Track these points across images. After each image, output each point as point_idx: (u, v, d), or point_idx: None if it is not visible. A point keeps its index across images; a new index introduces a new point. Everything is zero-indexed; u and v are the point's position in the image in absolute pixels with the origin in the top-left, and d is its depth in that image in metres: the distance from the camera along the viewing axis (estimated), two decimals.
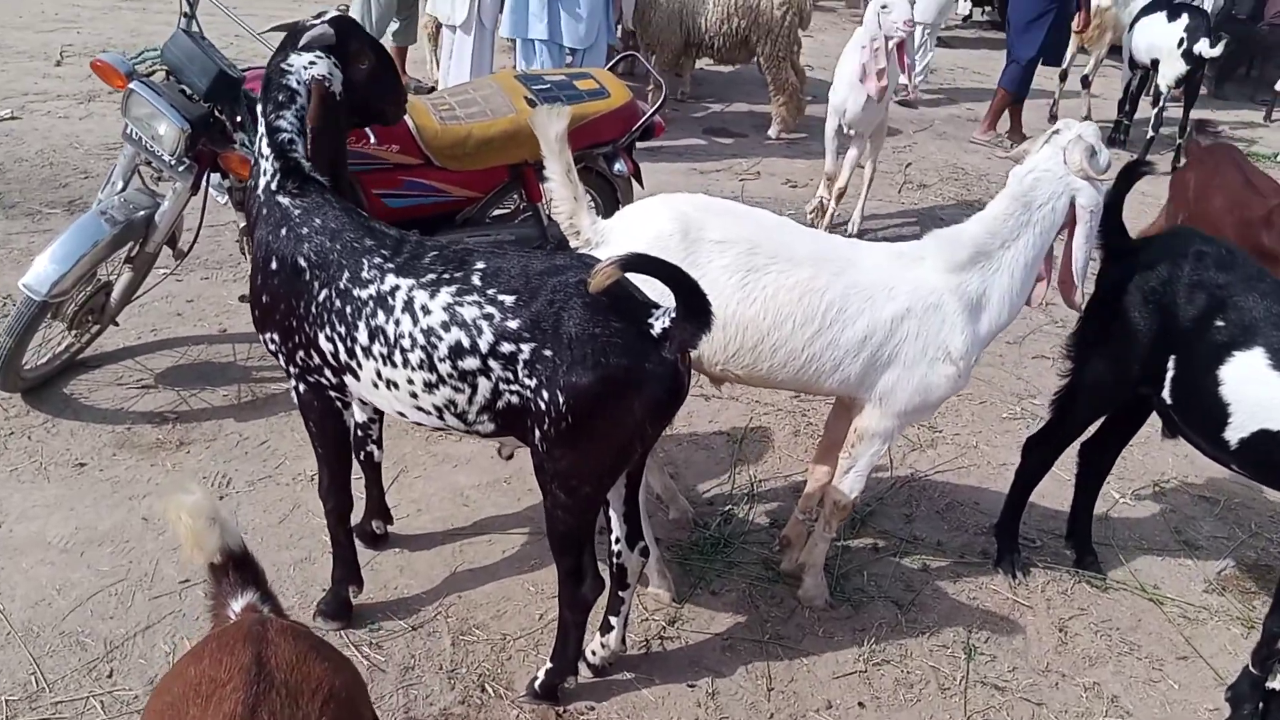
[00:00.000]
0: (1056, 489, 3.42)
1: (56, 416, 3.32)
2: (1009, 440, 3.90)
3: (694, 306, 2.00)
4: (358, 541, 2.83)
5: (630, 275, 2.02)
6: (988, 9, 13.32)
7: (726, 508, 3.33)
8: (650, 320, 2.06)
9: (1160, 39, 7.41)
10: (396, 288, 2.15)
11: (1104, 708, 2.69)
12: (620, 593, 2.49)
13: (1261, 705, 2.61)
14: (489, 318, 2.07)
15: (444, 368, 2.12)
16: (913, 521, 3.37)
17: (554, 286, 2.07)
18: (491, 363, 2.08)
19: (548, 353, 2.04)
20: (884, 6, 4.98)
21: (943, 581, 3.10)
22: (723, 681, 2.64)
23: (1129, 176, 2.89)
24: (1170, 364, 2.73)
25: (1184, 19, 7.26)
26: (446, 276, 2.14)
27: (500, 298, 2.09)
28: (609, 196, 4.16)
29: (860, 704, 2.63)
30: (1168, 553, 3.37)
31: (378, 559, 2.92)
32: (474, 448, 3.42)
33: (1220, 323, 2.62)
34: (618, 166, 3.99)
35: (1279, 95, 9.57)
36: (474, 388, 2.13)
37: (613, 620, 2.53)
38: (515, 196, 4.08)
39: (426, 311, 2.12)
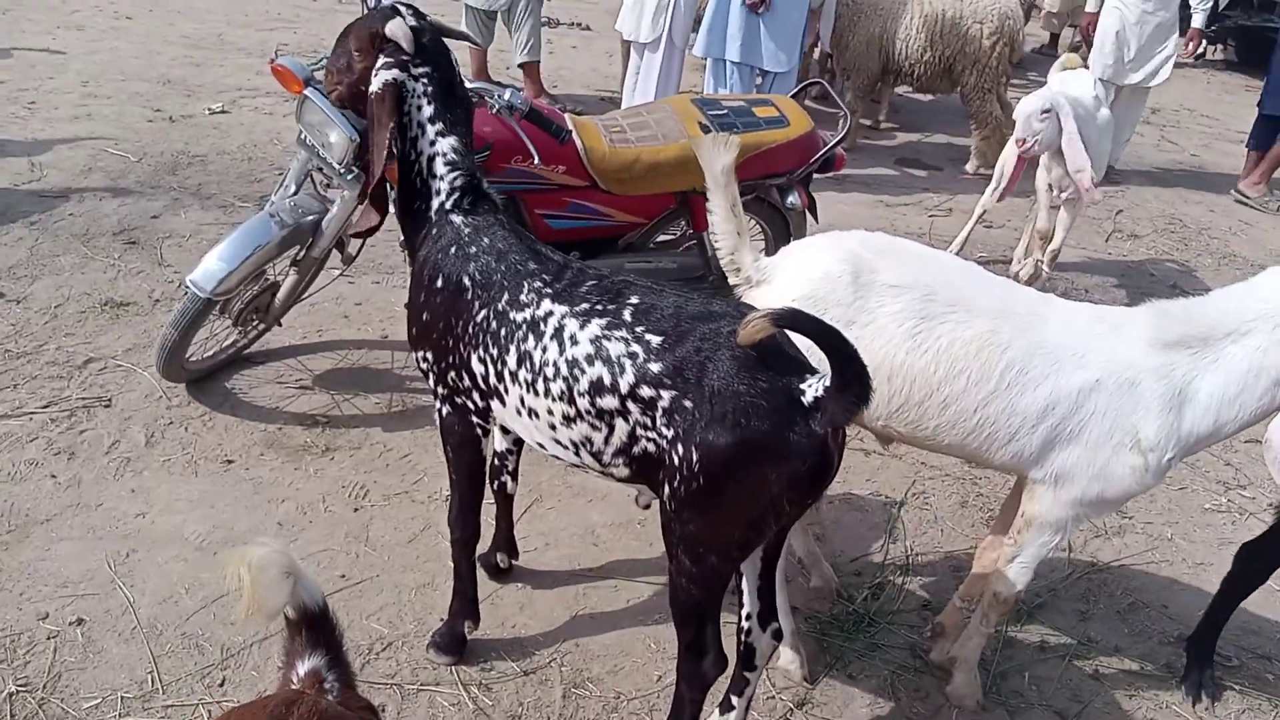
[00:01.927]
0: (1265, 599, 2.96)
1: (215, 410, 3.41)
2: (1209, 535, 3.44)
3: (851, 377, 1.78)
4: (481, 573, 2.75)
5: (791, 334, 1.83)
6: (1222, 47, 12.24)
7: (876, 580, 3.05)
8: (803, 385, 1.86)
9: None
10: (550, 313, 2.08)
11: None
12: (746, 673, 2.28)
13: None
14: (633, 356, 1.95)
15: (583, 403, 2.02)
16: (1088, 620, 2.99)
17: (703, 333, 1.92)
18: (630, 405, 1.96)
19: (688, 403, 1.89)
20: (1045, 112, 4.40)
21: (1118, 694, 2.72)
22: None
23: None
24: None
25: None
26: (600, 308, 2.05)
27: (648, 337, 1.96)
28: (780, 229, 3.96)
29: None
30: None
31: (499, 593, 2.82)
32: (611, 484, 3.28)
33: None
34: (791, 199, 3.79)
35: None
36: (611, 428, 2.01)
37: (735, 700, 2.32)
38: (681, 223, 3.95)
39: (574, 342, 2.03)
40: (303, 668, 1.43)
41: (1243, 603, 2.79)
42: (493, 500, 2.75)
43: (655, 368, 1.93)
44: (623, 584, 2.90)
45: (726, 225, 2.41)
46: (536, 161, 3.29)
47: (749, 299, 2.47)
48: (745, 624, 2.24)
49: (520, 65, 7.02)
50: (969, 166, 6.92)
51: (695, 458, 1.87)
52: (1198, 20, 7.19)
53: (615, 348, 1.98)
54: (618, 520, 3.15)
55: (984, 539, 2.70)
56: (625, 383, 1.95)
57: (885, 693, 2.64)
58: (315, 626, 1.46)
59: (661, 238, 4.03)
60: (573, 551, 3.02)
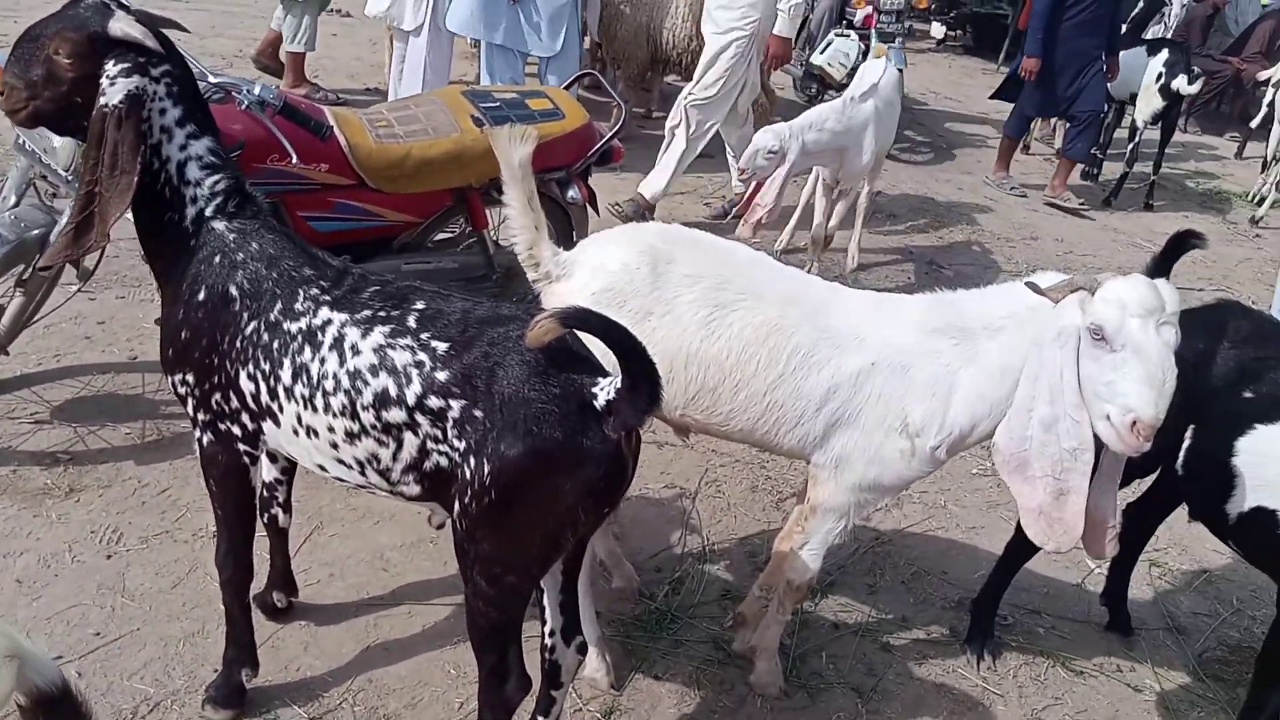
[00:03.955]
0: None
1: None
2: (978, 500, 3.66)
3: (640, 377, 1.73)
4: (258, 614, 2.53)
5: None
6: (960, 33, 13.21)
7: (675, 575, 3.04)
8: (594, 389, 1.79)
9: (1138, 74, 7.28)
10: (329, 322, 1.93)
11: None
12: (552, 692, 2.20)
13: None
14: (420, 365, 1.84)
15: (367, 417, 1.88)
16: (876, 593, 3.11)
17: (492, 338, 1.84)
18: (419, 417, 1.84)
19: (478, 413, 1.79)
20: (772, 152, 4.39)
21: (909, 663, 2.84)
22: None
23: (1178, 246, 2.69)
24: (1188, 434, 2.56)
25: (1163, 54, 7.16)
26: (383, 315, 1.92)
27: (434, 344, 1.85)
28: (562, 224, 3.87)
29: None
30: (1148, 629, 3.13)
31: (280, 633, 2.60)
32: (399, 502, 3.11)
33: (1249, 394, 2.45)
34: (571, 193, 3.70)
35: (1252, 132, 9.49)
36: (399, 443, 1.89)
37: None
38: (460, 221, 3.79)
39: (356, 351, 1.89)
40: None
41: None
42: (265, 534, 2.53)
43: (443, 376, 1.82)
44: (417, 609, 2.74)
45: (523, 219, 2.35)
46: (295, 161, 3.05)
47: (548, 295, 2.40)
48: (549, 640, 2.16)
49: (288, 53, 6.57)
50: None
51: (487, 470, 1.78)
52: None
53: (400, 356, 1.86)
54: (408, 541, 2.98)
55: (780, 537, 2.74)
56: (412, 393, 1.84)
57: (691, 689, 2.63)
58: (55, 711, 1.24)
59: (440, 236, 3.86)
60: (361, 579, 2.83)
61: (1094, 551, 2.26)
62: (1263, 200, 7.76)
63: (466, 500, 1.83)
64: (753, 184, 4.55)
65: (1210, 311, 2.72)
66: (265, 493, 2.49)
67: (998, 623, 2.99)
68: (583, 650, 2.18)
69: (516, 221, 2.36)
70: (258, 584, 2.53)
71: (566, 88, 3.92)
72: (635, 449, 1.88)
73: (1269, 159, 7.73)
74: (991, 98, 7.98)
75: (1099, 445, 2.09)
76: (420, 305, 1.92)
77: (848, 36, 7.43)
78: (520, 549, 1.85)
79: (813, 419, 2.27)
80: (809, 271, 4.99)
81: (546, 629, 2.15)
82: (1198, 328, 2.61)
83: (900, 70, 6.11)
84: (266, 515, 2.52)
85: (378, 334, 1.89)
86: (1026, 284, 2.14)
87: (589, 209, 3.85)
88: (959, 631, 2.97)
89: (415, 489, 1.94)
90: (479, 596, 1.91)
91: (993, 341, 2.19)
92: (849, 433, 2.27)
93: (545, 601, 2.13)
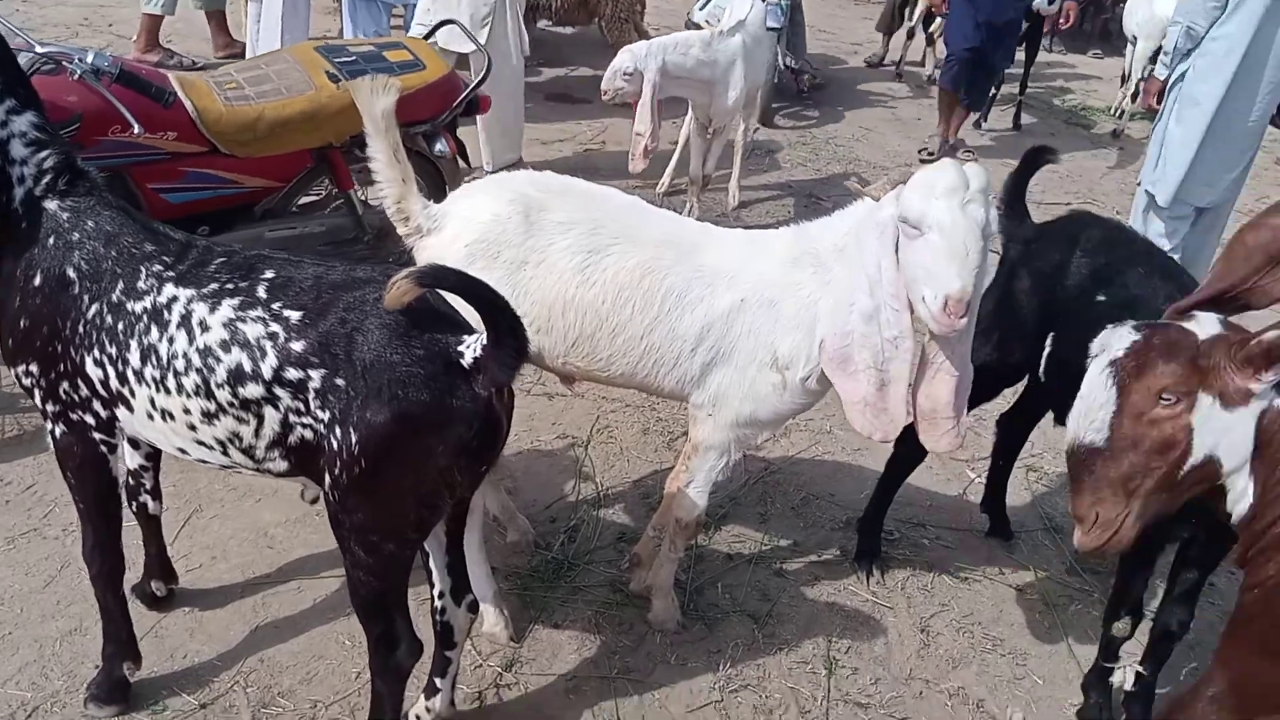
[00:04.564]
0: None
1: None
2: None
3: (505, 332, 1.71)
4: (138, 605, 2.45)
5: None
6: None
7: (571, 523, 3.05)
8: (460, 348, 1.76)
9: None
10: (175, 299, 1.86)
11: (970, 715, 2.56)
12: (447, 653, 2.19)
13: (1125, 699, 2.52)
14: (273, 337, 1.79)
15: (223, 395, 1.82)
16: (767, 521, 3.17)
17: (348, 303, 1.79)
18: (278, 390, 1.79)
19: (340, 382, 1.75)
20: (629, 74, 4.38)
21: (802, 586, 2.92)
22: None
23: (1032, 161, 2.75)
24: (1049, 342, 2.65)
25: None
26: (231, 287, 1.85)
27: (286, 313, 1.80)
28: (432, 179, 3.78)
29: None
30: (1027, 531, 3.28)
31: (163, 622, 2.53)
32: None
33: (1101, 298, 2.53)
34: (438, 147, 3.62)
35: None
36: (260, 419, 1.83)
37: (438, 682, 2.23)
38: (325, 183, 3.67)
39: (205, 328, 1.83)
40: None
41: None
42: (136, 523, 2.45)
43: (299, 346, 1.77)
44: (306, 584, 2.69)
45: (390, 173, 2.30)
46: (138, 131, 2.90)
47: (420, 249, 2.36)
48: (439, 603, 2.15)
49: (143, 14, 6.24)
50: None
51: (354, 439, 1.75)
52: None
53: (252, 329, 1.80)
54: (292, 516, 2.91)
55: (672, 476, 2.77)
56: (268, 367, 1.79)
57: (591, 633, 2.65)
58: None
59: (306, 200, 3.74)
60: (245, 559, 2.76)
61: (933, 445, 2.29)
62: (1123, 114, 8.04)
63: (336, 471, 1.79)
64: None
65: (1063, 222, 2.81)
66: (130, 480, 2.40)
67: (884, 539, 3.08)
68: (474, 609, 2.18)
69: (383, 175, 2.32)
70: (135, 574, 2.47)
71: (426, 38, 3.80)
72: (508, 405, 1.87)
73: (1127, 73, 7.99)
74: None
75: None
76: (269, 274, 1.85)
77: None
78: (396, 516, 1.83)
79: (689, 359, 2.29)
80: (689, 212, 5.03)
81: (435, 591, 2.14)
82: (1052, 239, 2.72)
83: (777, 28, 5.99)
84: (135, 504, 2.43)
85: (226, 307, 1.82)
86: (849, 185, 2.17)
87: (459, 161, 3.77)
88: (848, 550, 3.06)
89: (282, 465, 1.89)
90: (359, 566, 1.88)
91: (839, 263, 2.22)
92: (724, 370, 2.29)
93: (431, 564, 2.12)
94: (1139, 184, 4.61)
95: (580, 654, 2.59)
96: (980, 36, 6.34)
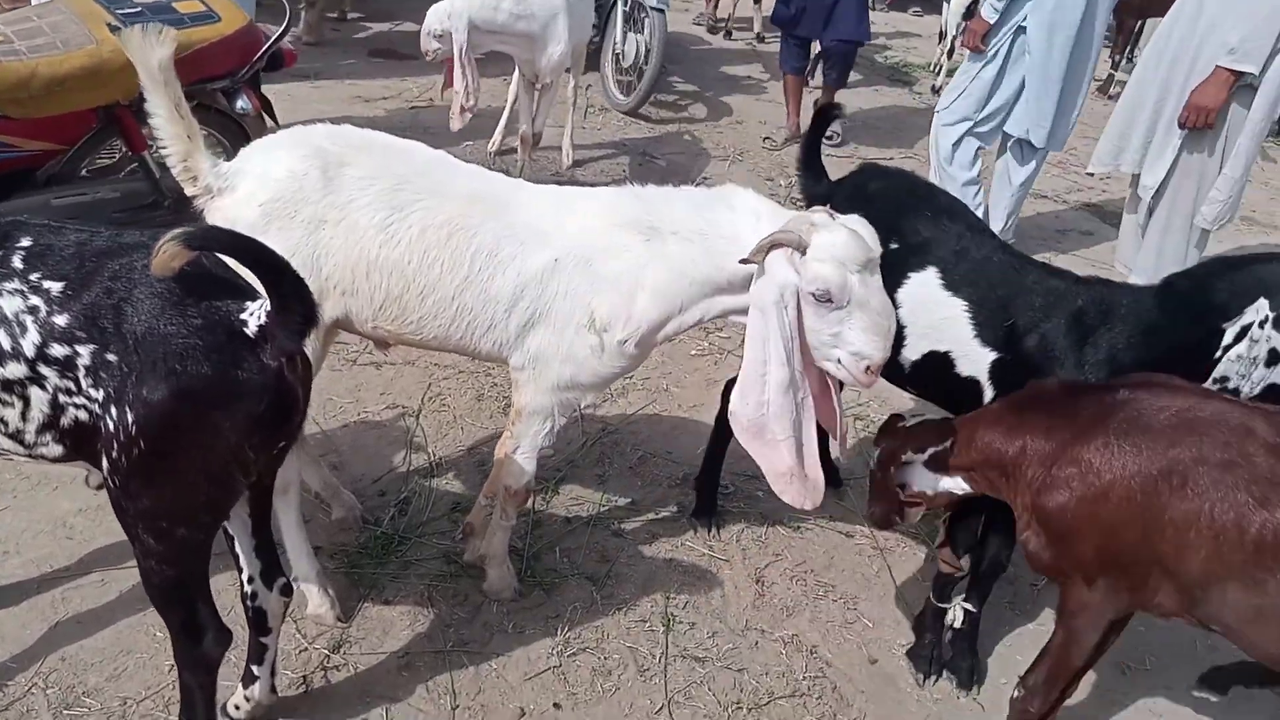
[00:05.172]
0: None
1: None
2: (698, 379, 3.78)
3: (289, 295, 1.60)
4: None
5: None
6: None
7: (402, 496, 2.95)
8: (243, 315, 1.64)
9: None
10: None
11: (804, 661, 2.62)
12: (262, 639, 2.08)
13: (951, 637, 2.63)
14: (34, 311, 1.63)
15: None
16: (605, 482, 3.15)
17: (114, 271, 1.65)
18: (44, 369, 1.64)
19: (111, 357, 1.61)
20: (439, 36, 4.29)
21: (640, 545, 2.91)
22: (399, 708, 2.30)
23: (823, 119, 2.77)
24: None
25: None
26: None
27: (46, 285, 1.64)
28: (238, 137, 3.55)
29: (556, 705, 2.39)
30: (856, 479, 3.37)
31: None
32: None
33: (895, 245, 2.56)
34: (240, 103, 3.40)
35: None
36: (25, 401, 1.68)
37: (256, 670, 2.11)
38: (117, 145, 3.40)
39: None
40: None
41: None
42: None
43: (62, 320, 1.63)
44: (110, 574, 2.51)
45: (173, 129, 2.13)
46: None
47: (211, 211, 2.20)
48: (248, 588, 2.03)
49: None
50: None
51: (131, 419, 1.61)
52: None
53: (10, 303, 1.64)
54: (94, 503, 2.70)
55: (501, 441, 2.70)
56: (30, 344, 1.63)
57: (424, 608, 2.58)
58: None
59: (99, 164, 3.46)
60: (43, 552, 2.55)
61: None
62: (941, 69, 8.35)
63: (115, 455, 1.65)
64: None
65: (852, 176, 2.85)
66: None
67: (720, 493, 3.11)
68: (287, 592, 2.06)
69: (165, 131, 2.15)
70: None
71: None
72: (304, 375, 1.75)
73: (944, 30, 8.30)
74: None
75: None
76: (26, 242, 1.68)
77: None
78: (184, 499, 1.70)
79: (504, 321, 2.22)
80: (520, 171, 4.92)
81: (244, 576, 2.01)
82: (844, 193, 2.75)
83: (662, 10, 5.88)
84: None
85: None
86: (741, 260, 2.04)
87: (265, 119, 3.55)
88: (686, 507, 3.07)
89: (57, 449, 1.74)
90: (150, 555, 1.75)
91: (681, 247, 2.15)
92: (541, 332, 2.23)
93: (237, 548, 1.99)
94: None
95: (413, 630, 2.51)
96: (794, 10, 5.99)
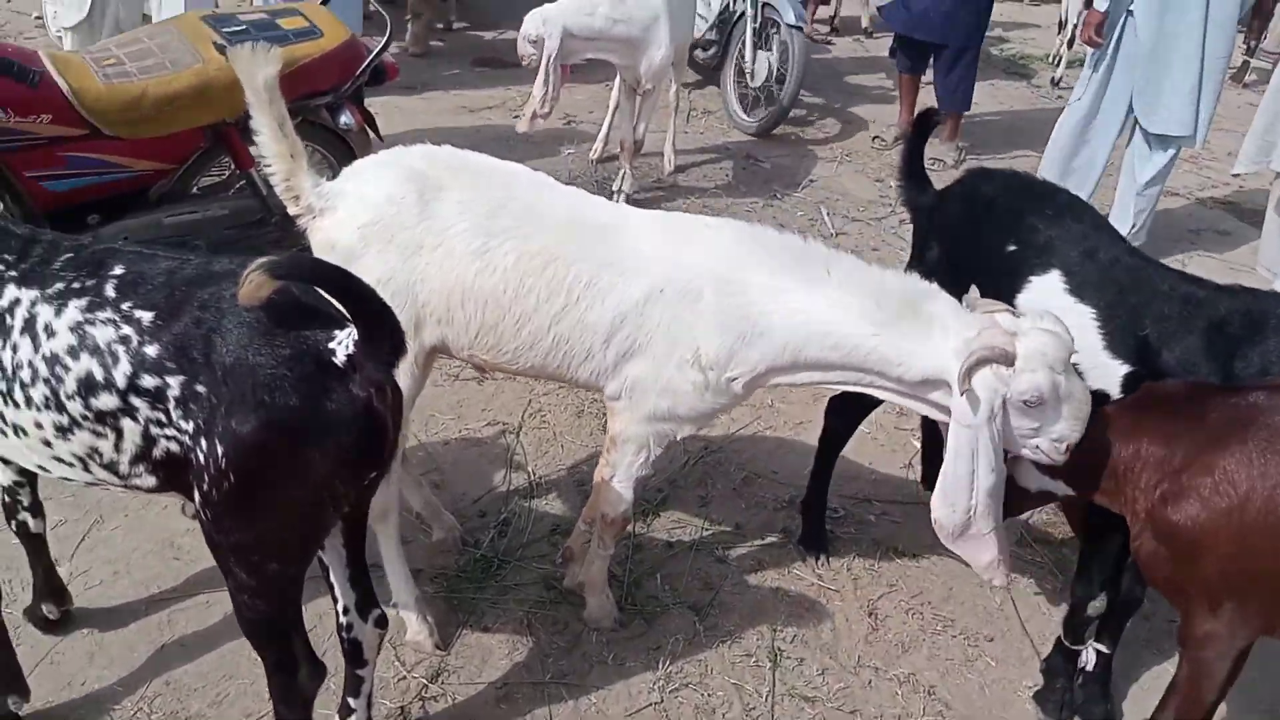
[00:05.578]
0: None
1: None
2: (804, 394, 3.60)
3: (375, 325, 1.55)
4: (31, 630, 2.29)
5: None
6: None
7: (502, 517, 2.89)
8: (331, 345, 1.59)
9: None
10: (17, 302, 1.68)
11: (922, 703, 2.46)
12: (358, 671, 2.03)
13: (1082, 680, 2.43)
14: (125, 341, 1.61)
15: (75, 407, 1.65)
16: (708, 504, 3.04)
17: (203, 300, 1.62)
18: (135, 400, 1.62)
19: (200, 388, 1.58)
20: (534, 41, 4.23)
21: (745, 573, 2.79)
22: None
23: (923, 128, 2.62)
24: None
25: None
26: (78, 286, 1.67)
27: (138, 314, 1.62)
28: (343, 153, 3.56)
29: None
30: None
31: (59, 647, 2.35)
32: None
33: (1012, 247, 2.39)
34: (344, 119, 3.41)
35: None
36: (119, 432, 1.66)
37: (352, 703, 2.07)
38: (226, 162, 3.44)
39: (51, 333, 1.64)
40: None
41: (840, 453, 2.93)
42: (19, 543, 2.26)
43: (153, 351, 1.60)
44: (215, 597, 2.50)
45: (277, 147, 2.12)
46: (4, 116, 2.65)
47: (312, 231, 2.19)
48: (344, 619, 1.98)
49: None
50: None
51: (221, 452, 1.58)
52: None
53: (102, 333, 1.62)
54: None
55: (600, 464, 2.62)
56: (121, 375, 1.61)
57: (523, 635, 2.51)
58: None
59: (206, 181, 3.50)
60: (150, 573, 2.58)
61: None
62: (1061, 60, 7.96)
63: (206, 487, 1.62)
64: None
65: (958, 184, 2.65)
66: (6, 498, 2.20)
67: (829, 516, 2.96)
68: (383, 624, 2.01)
69: (269, 150, 2.14)
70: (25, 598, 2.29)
71: (324, 2, 3.56)
72: (394, 404, 1.69)
73: (1063, 20, 7.90)
74: None
75: None
76: (119, 270, 1.67)
77: None
78: (276, 533, 1.66)
79: (602, 351, 2.13)
80: (622, 179, 4.84)
81: (339, 607, 1.97)
82: (953, 202, 2.59)
83: (800, 28, 5.57)
84: (14, 522, 2.24)
85: (73, 309, 1.64)
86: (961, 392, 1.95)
87: (368, 133, 3.56)
88: (792, 531, 2.93)
89: (150, 480, 1.72)
90: (243, 590, 1.72)
91: (847, 319, 2.03)
92: (640, 362, 2.13)
93: (332, 578, 1.95)
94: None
95: (511, 659, 2.44)
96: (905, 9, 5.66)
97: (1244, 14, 4.47)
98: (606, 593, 2.53)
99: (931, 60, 5.82)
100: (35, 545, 2.29)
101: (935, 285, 2.11)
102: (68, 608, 2.39)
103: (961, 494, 2.02)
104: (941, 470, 2.05)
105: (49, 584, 2.34)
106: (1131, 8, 4.31)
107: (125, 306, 1.62)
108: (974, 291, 2.12)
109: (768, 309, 2.06)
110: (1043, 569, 2.91)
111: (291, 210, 2.20)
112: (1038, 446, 2.01)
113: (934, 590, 2.81)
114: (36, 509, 2.24)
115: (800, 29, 5.59)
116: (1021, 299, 2.34)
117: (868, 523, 3.03)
